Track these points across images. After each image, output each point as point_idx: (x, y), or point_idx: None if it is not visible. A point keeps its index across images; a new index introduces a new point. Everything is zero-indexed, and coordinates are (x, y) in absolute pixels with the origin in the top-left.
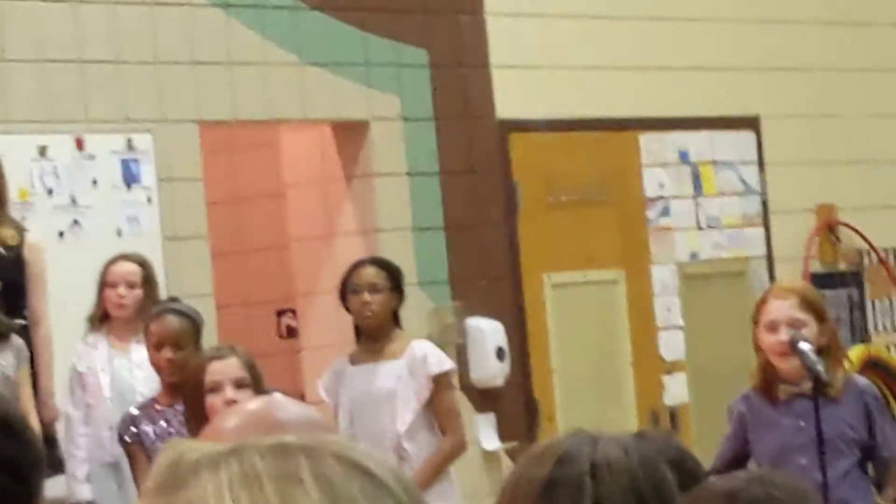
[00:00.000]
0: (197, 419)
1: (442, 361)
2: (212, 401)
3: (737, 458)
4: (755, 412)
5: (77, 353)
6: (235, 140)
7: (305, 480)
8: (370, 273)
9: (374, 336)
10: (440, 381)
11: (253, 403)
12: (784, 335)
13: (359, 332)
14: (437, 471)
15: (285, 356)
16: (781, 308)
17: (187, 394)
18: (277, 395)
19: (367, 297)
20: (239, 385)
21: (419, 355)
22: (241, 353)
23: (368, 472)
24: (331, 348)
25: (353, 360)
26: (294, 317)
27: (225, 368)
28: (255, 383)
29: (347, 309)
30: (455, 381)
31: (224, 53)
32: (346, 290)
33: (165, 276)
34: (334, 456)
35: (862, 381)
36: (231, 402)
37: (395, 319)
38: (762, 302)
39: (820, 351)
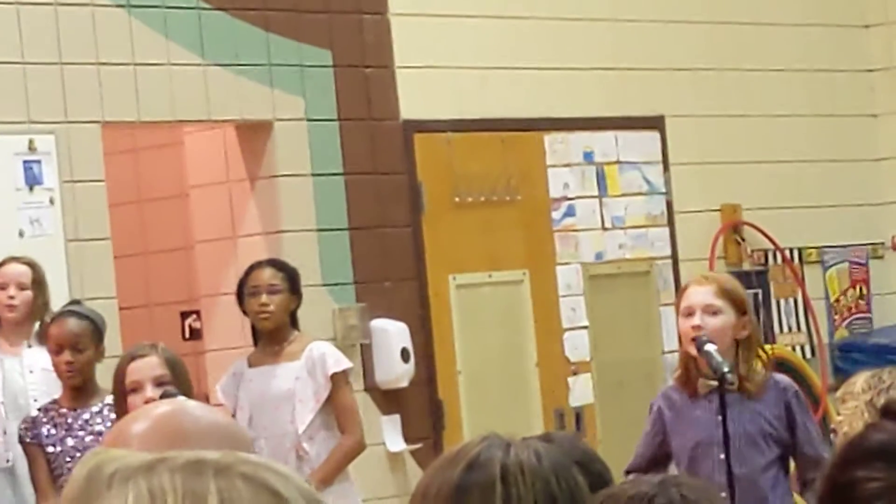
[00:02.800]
0: None
1: (340, 360)
2: (133, 401)
3: (655, 457)
4: (675, 408)
5: None
6: (138, 141)
7: (210, 502)
8: (268, 275)
9: (272, 338)
10: (338, 380)
11: (161, 407)
12: (698, 320)
13: (256, 334)
14: (338, 469)
15: (189, 358)
16: (698, 293)
17: (115, 395)
18: (187, 400)
19: (265, 298)
20: (159, 384)
21: (317, 355)
22: (163, 351)
23: (277, 493)
24: (235, 350)
25: (251, 363)
26: (198, 318)
27: (144, 367)
28: (178, 382)
29: (244, 311)
30: (351, 380)
31: (127, 54)
32: (244, 293)
33: (68, 279)
34: (244, 476)
35: (784, 379)
36: (151, 402)
37: (293, 321)
38: (683, 290)
39: (738, 344)
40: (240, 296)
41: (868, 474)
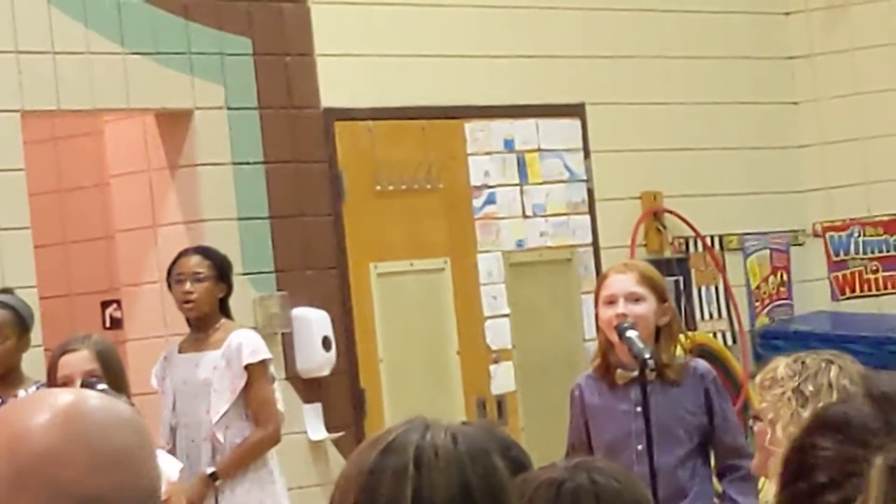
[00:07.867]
0: None
1: (256, 351)
2: None
3: (590, 442)
4: (593, 396)
5: None
6: (58, 130)
7: None
8: (194, 262)
9: (199, 325)
10: (254, 371)
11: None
12: (622, 308)
13: (189, 319)
14: (242, 461)
15: None
16: (620, 281)
17: (48, 388)
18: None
19: (189, 286)
20: (89, 377)
21: (235, 345)
22: (96, 343)
23: None
24: (156, 339)
25: (181, 349)
26: (119, 308)
27: (75, 361)
28: (110, 375)
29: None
30: (271, 371)
31: (46, 43)
32: (171, 279)
33: None
34: None
35: (702, 365)
36: None
37: (224, 309)
38: (602, 279)
39: (659, 331)
40: (169, 282)
41: (821, 442)
